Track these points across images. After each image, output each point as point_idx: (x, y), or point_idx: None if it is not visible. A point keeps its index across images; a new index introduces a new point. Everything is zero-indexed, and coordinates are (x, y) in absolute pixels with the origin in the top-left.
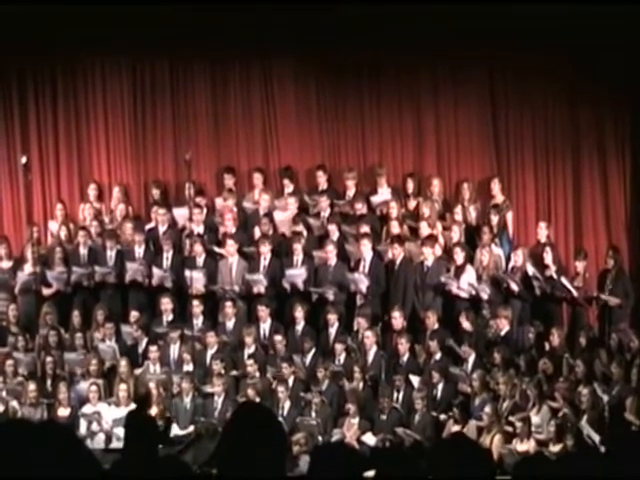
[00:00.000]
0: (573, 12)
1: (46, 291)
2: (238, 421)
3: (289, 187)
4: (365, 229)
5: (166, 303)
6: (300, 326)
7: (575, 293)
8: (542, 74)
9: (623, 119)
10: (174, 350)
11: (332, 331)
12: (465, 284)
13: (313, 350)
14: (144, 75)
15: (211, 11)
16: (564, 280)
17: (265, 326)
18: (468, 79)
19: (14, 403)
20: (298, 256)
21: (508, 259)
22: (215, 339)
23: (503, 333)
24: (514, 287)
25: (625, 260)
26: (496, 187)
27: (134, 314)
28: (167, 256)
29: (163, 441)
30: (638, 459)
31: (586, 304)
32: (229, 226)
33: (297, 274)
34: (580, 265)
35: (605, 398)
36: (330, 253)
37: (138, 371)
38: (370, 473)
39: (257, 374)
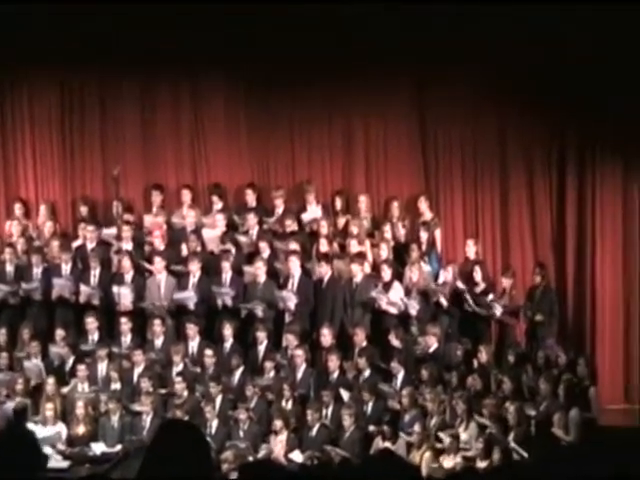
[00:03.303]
0: (498, 31)
1: None
2: (162, 438)
3: (218, 204)
4: (294, 246)
5: (91, 322)
6: (229, 343)
7: (498, 313)
8: (470, 93)
9: (550, 136)
10: (102, 368)
11: (261, 348)
12: (395, 298)
13: (242, 367)
14: (72, 90)
15: (140, 28)
16: (490, 299)
17: (194, 344)
18: (397, 98)
19: None
20: (226, 274)
21: (437, 276)
22: (142, 357)
23: (431, 350)
24: (443, 301)
25: (551, 277)
26: (423, 204)
27: (60, 332)
28: (94, 273)
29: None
30: (565, 472)
31: (512, 320)
32: (157, 243)
33: (224, 292)
34: (507, 282)
35: (533, 413)
36: (259, 270)
37: (65, 389)
38: None
39: (185, 392)
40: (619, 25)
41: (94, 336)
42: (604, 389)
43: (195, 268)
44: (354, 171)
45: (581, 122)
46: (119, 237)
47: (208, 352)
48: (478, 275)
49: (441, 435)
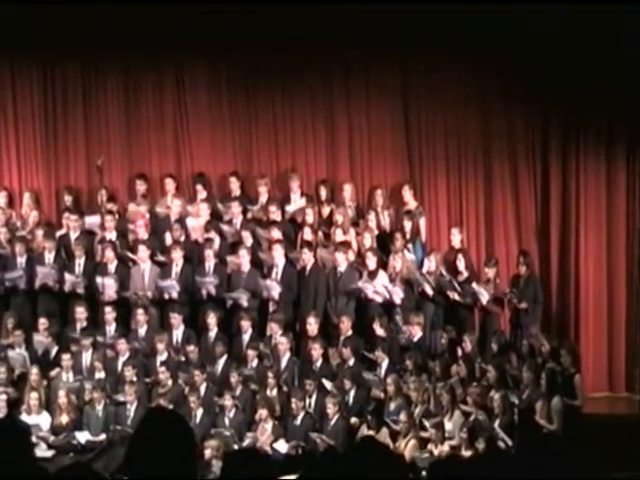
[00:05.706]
0: (483, 21)
1: None
2: (146, 427)
3: (202, 193)
4: (277, 235)
5: (80, 312)
6: (213, 332)
7: (484, 301)
8: (454, 80)
9: (533, 125)
10: (86, 358)
11: (245, 337)
12: (380, 287)
13: (225, 356)
14: (55, 78)
15: (124, 15)
16: (475, 286)
17: (178, 333)
18: (381, 86)
19: None
20: (210, 262)
21: (421, 265)
22: (126, 346)
23: (416, 339)
24: (428, 290)
25: (535, 265)
26: (407, 193)
27: (42, 321)
28: (79, 262)
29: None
30: (548, 460)
31: (496, 308)
32: (141, 232)
33: (207, 281)
34: (490, 272)
35: (516, 402)
36: (242, 259)
37: (52, 373)
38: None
39: (169, 381)
40: (599, 16)
41: (82, 325)
42: (587, 377)
43: (178, 256)
44: (338, 160)
45: (564, 110)
46: (103, 226)
47: (190, 348)
48: (461, 264)
49: (425, 424)
